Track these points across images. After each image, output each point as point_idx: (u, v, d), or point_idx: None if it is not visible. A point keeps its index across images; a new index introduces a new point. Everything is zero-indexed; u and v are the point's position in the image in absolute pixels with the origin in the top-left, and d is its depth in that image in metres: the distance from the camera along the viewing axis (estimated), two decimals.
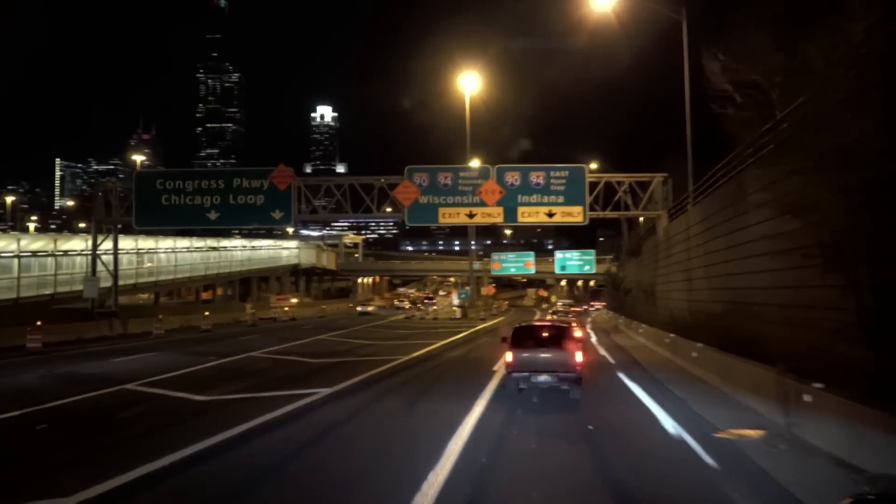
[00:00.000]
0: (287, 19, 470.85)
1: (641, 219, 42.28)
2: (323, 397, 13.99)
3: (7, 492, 7.84)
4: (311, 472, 8.45)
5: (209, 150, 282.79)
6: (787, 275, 14.20)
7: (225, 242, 74.00)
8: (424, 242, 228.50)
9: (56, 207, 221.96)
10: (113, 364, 21.02)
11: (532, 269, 70.02)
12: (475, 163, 42.48)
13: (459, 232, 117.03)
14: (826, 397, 8.84)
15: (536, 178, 34.22)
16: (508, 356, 13.61)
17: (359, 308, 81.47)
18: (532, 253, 72.98)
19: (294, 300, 74.24)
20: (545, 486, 7.86)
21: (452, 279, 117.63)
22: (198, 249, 63.81)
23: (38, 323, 25.62)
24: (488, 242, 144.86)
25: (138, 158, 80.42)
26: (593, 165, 40.85)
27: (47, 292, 40.91)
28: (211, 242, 67.73)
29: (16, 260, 39.19)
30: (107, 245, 38.69)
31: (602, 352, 25.16)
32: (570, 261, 66.86)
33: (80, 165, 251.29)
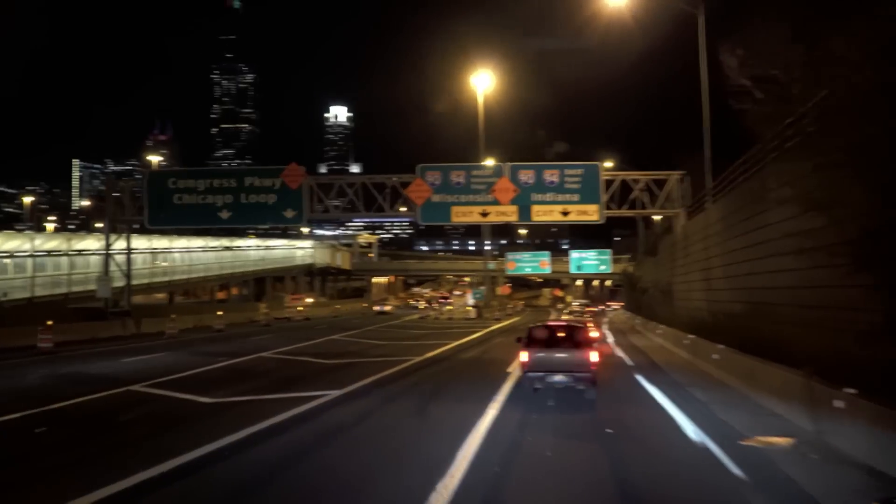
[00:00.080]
0: (301, 20, 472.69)
1: (658, 218, 41.70)
2: (331, 400, 13.63)
3: (5, 496, 7.58)
4: (311, 482, 8.07)
5: (225, 151, 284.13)
6: (811, 274, 13.68)
7: (239, 242, 74.17)
8: (439, 242, 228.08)
9: (75, 207, 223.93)
10: (122, 364, 20.81)
11: (547, 269, 69.46)
12: (489, 162, 42.05)
13: (474, 232, 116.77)
14: (859, 403, 8.34)
15: (551, 176, 33.76)
16: (524, 356, 13.46)
17: (376, 307, 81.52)
18: (547, 253, 72.40)
19: (308, 300, 74.16)
20: (562, 497, 7.44)
21: (467, 279, 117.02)
22: (212, 249, 63.91)
23: (49, 322, 25.50)
24: (503, 242, 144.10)
25: (155, 159, 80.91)
26: (609, 164, 40.29)
27: (61, 291, 41.05)
28: (225, 242, 67.84)
29: (30, 259, 39.33)
30: (121, 244, 38.66)
31: (619, 353, 24.65)
32: (586, 260, 66.30)
33: (97, 166, 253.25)
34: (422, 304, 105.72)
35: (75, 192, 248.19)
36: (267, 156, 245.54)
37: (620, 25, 32.55)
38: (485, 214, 34.25)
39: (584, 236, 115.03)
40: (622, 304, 70.98)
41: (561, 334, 14.12)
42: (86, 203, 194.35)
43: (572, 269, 67.80)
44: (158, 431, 10.89)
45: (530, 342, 13.74)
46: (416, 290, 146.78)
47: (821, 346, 11.53)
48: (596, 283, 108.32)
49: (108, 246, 37.54)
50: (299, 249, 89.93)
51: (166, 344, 29.06)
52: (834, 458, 8.54)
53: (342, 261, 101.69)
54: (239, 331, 39.35)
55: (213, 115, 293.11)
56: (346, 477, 8.19)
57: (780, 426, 10.49)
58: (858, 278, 10.71)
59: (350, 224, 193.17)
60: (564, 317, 54.05)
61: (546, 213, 34.00)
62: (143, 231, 42.25)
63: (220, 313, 43.74)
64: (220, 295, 78.05)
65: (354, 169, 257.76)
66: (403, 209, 35.98)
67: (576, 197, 33.66)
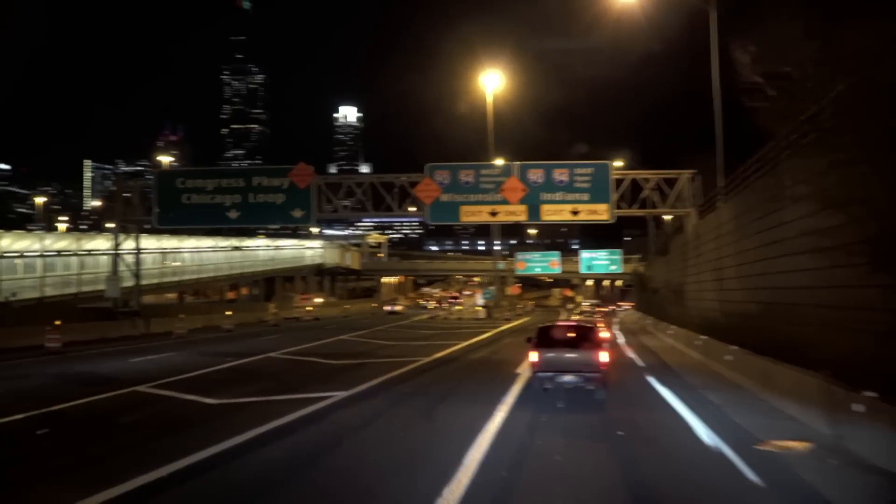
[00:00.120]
0: (311, 20, 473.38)
1: (668, 217, 41.34)
2: (337, 401, 13.42)
3: (5, 498, 7.43)
4: (315, 487, 7.86)
5: (235, 152, 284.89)
6: (828, 274, 13.35)
7: (248, 242, 74.26)
8: (449, 242, 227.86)
9: (87, 208, 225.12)
10: (129, 364, 20.71)
11: (557, 269, 69.15)
12: (498, 161, 41.80)
13: (484, 231, 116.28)
14: (880, 407, 8.05)
15: (560, 175, 33.49)
16: (533, 356, 13.37)
17: (387, 307, 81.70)
18: (557, 252, 72.08)
19: (318, 300, 74.15)
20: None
21: (477, 279, 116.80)
22: (222, 249, 63.98)
23: (57, 322, 25.45)
24: (513, 242, 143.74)
25: (165, 159, 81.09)
26: (619, 163, 40.00)
27: (71, 291, 41.15)
28: (234, 242, 67.94)
29: (40, 259, 39.41)
30: (130, 244, 38.67)
31: (630, 354, 24.35)
32: (597, 260, 65.94)
33: (108, 167, 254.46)
34: (431, 305, 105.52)
35: (87, 192, 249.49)
36: (277, 156, 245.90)
37: (631, 23, 32.27)
38: (494, 214, 34.02)
39: (595, 236, 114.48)
40: (633, 304, 70.57)
41: (571, 334, 14.07)
42: (96, 203, 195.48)
43: (582, 269, 67.42)
44: (159, 434, 10.70)
45: (540, 342, 13.66)
46: (425, 290, 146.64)
47: (838, 348, 11.22)
48: (606, 283, 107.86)
49: (116, 246, 37.54)
50: (309, 249, 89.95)
51: (174, 344, 28.99)
52: (853, 463, 8.25)
53: (352, 261, 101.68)
54: (248, 331, 39.27)
55: (223, 116, 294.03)
56: (350, 482, 7.97)
57: (797, 430, 10.21)
58: (877, 278, 10.41)
59: (360, 224, 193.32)
60: (575, 317, 53.72)
61: (555, 213, 33.73)
62: (153, 231, 42.28)
63: (228, 313, 43.71)
64: (231, 295, 78.14)
65: (364, 169, 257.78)
66: (412, 209, 35.80)
67: (586, 196, 33.38)
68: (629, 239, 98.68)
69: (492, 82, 46.91)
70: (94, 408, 12.99)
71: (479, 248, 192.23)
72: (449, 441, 9.76)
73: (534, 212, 33.62)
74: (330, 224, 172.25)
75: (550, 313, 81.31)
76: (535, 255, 72.59)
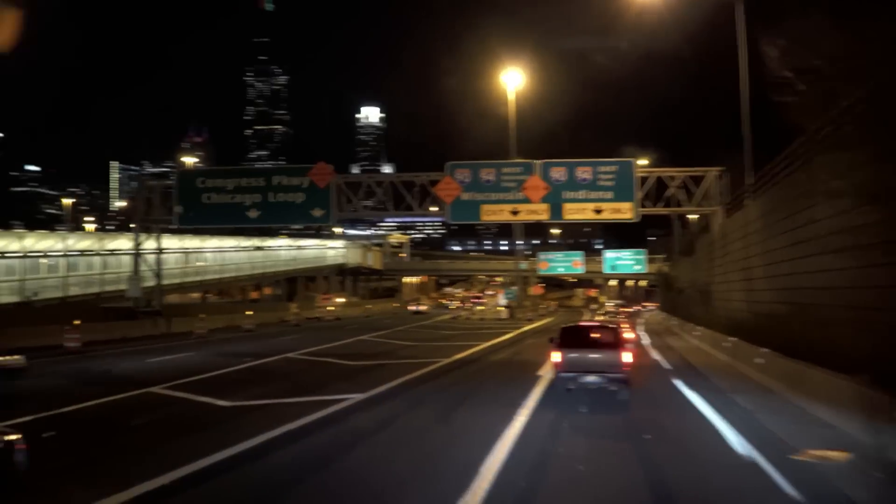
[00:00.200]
0: (333, 21, 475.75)
1: (693, 217, 40.58)
2: (353, 404, 13.04)
3: (11, 501, 7.13)
4: (323, 496, 7.50)
5: (259, 153, 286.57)
6: (865, 273, 12.71)
7: (270, 242, 74.43)
8: (471, 242, 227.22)
9: (113, 208, 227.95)
10: (146, 364, 20.57)
11: (580, 269, 68.51)
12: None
13: (506, 231, 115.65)
14: None
15: (583, 173, 32.90)
16: (556, 356, 13.34)
17: (411, 307, 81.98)
18: (580, 252, 71.40)
19: (340, 300, 74.09)
20: None
21: (499, 279, 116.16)
22: (244, 249, 64.14)
23: (76, 322, 25.45)
24: (536, 242, 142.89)
25: (189, 160, 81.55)
26: (644, 161, 39.26)
27: (93, 291, 41.36)
28: (256, 242, 68.12)
29: (63, 259, 39.65)
30: (153, 244, 38.75)
31: (655, 355, 23.74)
32: (621, 260, 65.22)
33: (134, 168, 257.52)
34: (454, 305, 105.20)
35: (114, 193, 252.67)
36: (300, 157, 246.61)
37: (654, 18, 31.59)
38: (515, 213, 33.53)
39: (618, 236, 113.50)
40: (657, 304, 69.65)
41: (594, 335, 14.07)
42: (122, 204, 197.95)
43: (606, 269, 66.69)
44: (169, 437, 10.40)
45: (563, 342, 13.66)
46: (448, 290, 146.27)
47: (877, 351, 10.63)
48: (630, 283, 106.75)
49: (137, 246, 37.62)
50: (331, 249, 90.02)
51: (193, 344, 28.90)
52: None
53: (374, 261, 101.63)
54: (268, 331, 39.16)
55: (246, 117, 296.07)
56: (360, 490, 7.59)
57: (834, 438, 9.64)
58: None
59: (382, 224, 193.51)
60: (598, 317, 53.00)
61: (578, 212, 33.16)
62: (176, 231, 42.37)
63: (249, 313, 43.71)
64: (254, 295, 78.39)
65: (387, 169, 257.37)
66: (434, 209, 35.41)
67: (609, 194, 32.77)
68: (653, 239, 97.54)
69: (513, 81, 46.40)
70: (104, 410, 12.75)
71: (502, 248, 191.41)
72: (466, 447, 9.34)
73: (556, 211, 33.07)
74: (352, 224, 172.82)
75: (574, 314, 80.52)
76: (558, 255, 71.98)
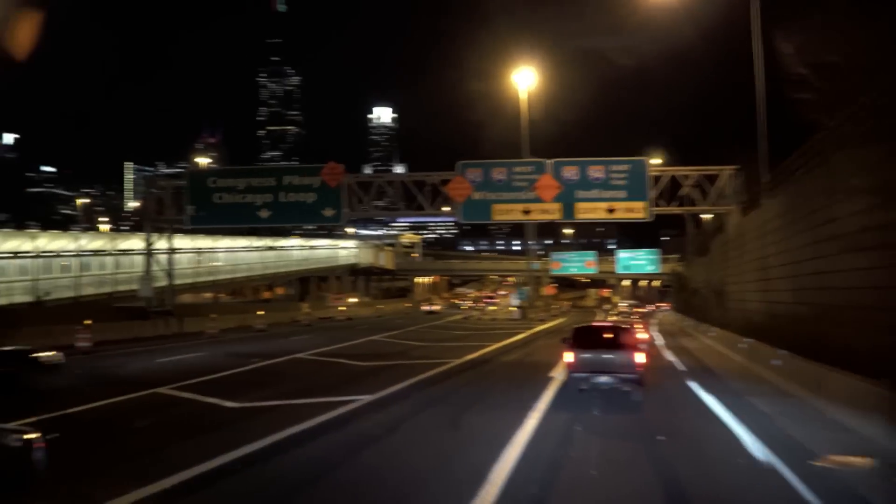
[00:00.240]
0: (345, 21, 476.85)
1: (707, 217, 40.11)
2: (361, 406, 12.83)
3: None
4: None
5: (272, 153, 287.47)
6: (891, 273, 12.34)
7: (282, 242, 74.51)
8: (483, 242, 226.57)
9: (128, 208, 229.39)
10: (155, 365, 20.49)
11: (593, 269, 68.21)
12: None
13: (519, 231, 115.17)
14: None
15: (595, 172, 32.56)
16: (569, 356, 13.32)
17: (425, 307, 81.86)
18: (593, 252, 71.07)
19: (351, 300, 74.09)
20: None
21: (511, 279, 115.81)
22: (256, 249, 64.26)
23: (87, 322, 25.44)
24: (548, 242, 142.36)
25: (203, 161, 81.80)
26: (658, 160, 38.84)
27: (106, 291, 41.52)
28: (268, 242, 68.22)
29: (75, 259, 39.77)
30: (165, 244, 38.79)
31: (669, 357, 23.39)
32: (634, 260, 64.82)
33: (149, 169, 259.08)
34: (466, 305, 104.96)
35: (128, 194, 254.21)
36: (313, 157, 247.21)
37: (668, 14, 31.22)
38: (527, 212, 33.26)
39: (631, 236, 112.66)
40: (671, 304, 69.10)
41: (607, 335, 14.02)
42: (131, 204, 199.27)
43: (619, 269, 66.32)
44: (173, 440, 10.21)
45: (576, 342, 13.64)
46: (460, 290, 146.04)
47: None
48: (643, 283, 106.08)
49: (148, 245, 37.65)
50: (343, 249, 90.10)
51: (204, 344, 28.85)
52: None
53: (386, 261, 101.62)
54: (280, 331, 39.07)
55: (259, 118, 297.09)
56: (364, 498, 7.37)
57: (856, 443, 9.33)
58: None
59: (394, 224, 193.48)
60: (612, 318, 52.59)
61: (590, 211, 32.83)
62: (188, 231, 42.40)
63: (260, 313, 43.68)
64: (266, 295, 78.61)
65: (399, 169, 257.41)
66: (445, 208, 35.17)
67: (622, 193, 32.43)
68: (667, 239, 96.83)
69: (525, 80, 46.13)
70: (110, 411, 12.62)
71: (514, 248, 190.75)
72: (476, 452, 9.10)
73: (568, 210, 32.76)
74: (365, 224, 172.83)
75: (586, 314, 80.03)
76: (571, 255, 71.69)
